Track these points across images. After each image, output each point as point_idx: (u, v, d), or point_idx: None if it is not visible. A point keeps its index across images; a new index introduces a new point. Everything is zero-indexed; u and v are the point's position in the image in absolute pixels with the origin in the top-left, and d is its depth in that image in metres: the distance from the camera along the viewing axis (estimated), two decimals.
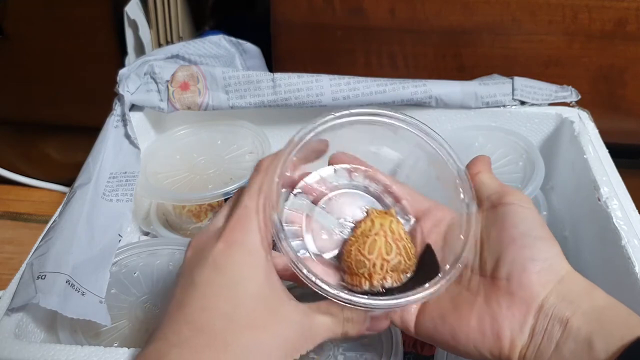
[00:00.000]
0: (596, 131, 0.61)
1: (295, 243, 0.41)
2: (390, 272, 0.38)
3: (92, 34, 0.74)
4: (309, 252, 0.41)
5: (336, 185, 0.44)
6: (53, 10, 0.73)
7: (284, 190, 0.40)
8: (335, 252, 0.41)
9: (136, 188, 0.55)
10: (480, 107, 0.64)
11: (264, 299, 0.35)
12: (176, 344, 0.33)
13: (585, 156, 0.58)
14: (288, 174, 0.40)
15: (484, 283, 0.38)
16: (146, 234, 0.65)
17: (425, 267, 0.40)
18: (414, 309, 0.40)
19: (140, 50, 0.74)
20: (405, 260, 0.39)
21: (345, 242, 0.41)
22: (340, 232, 0.42)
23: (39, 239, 0.51)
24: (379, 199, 0.44)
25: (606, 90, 0.73)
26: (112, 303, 0.49)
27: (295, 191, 0.42)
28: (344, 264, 0.40)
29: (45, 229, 0.52)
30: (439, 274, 0.39)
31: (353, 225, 0.42)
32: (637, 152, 0.74)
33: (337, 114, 0.39)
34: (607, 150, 0.59)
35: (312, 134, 0.39)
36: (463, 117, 0.65)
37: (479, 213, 0.40)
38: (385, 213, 0.41)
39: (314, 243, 0.41)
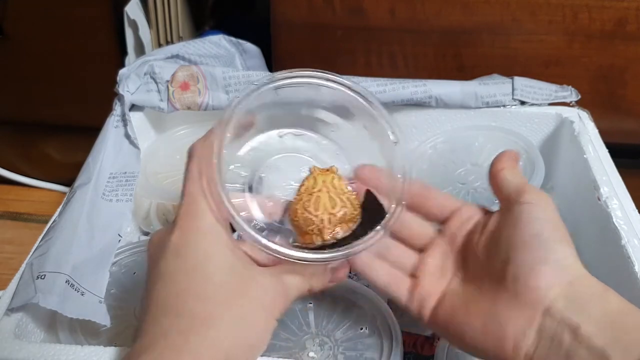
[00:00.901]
0: (596, 131, 0.62)
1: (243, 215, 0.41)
2: (339, 224, 0.40)
3: (92, 34, 0.74)
4: (257, 222, 0.42)
5: (280, 149, 0.45)
6: (53, 10, 0.73)
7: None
8: (283, 214, 0.42)
9: (136, 188, 0.55)
10: (480, 107, 0.64)
11: (233, 271, 0.36)
12: (160, 335, 0.33)
13: (585, 156, 0.58)
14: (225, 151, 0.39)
15: (493, 284, 0.37)
16: (146, 233, 0.65)
17: (371, 211, 0.41)
18: (432, 300, 0.40)
19: (140, 50, 0.74)
20: (351, 211, 0.41)
21: (290, 203, 0.42)
22: (285, 195, 0.43)
23: (39, 239, 0.51)
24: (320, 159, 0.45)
25: (606, 90, 0.73)
26: (112, 303, 0.49)
27: (231, 166, 0.43)
28: (293, 224, 0.41)
29: (45, 229, 0.52)
30: (387, 215, 0.40)
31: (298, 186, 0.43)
32: (637, 152, 0.74)
33: (257, 84, 0.40)
34: (607, 150, 0.59)
35: (238, 107, 0.39)
36: (463, 117, 0.65)
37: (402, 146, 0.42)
38: (327, 170, 0.42)
39: (261, 211, 0.42)
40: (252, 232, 0.37)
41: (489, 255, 0.39)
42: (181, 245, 0.36)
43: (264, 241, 0.37)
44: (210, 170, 0.37)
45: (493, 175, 0.42)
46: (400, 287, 0.42)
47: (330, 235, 0.40)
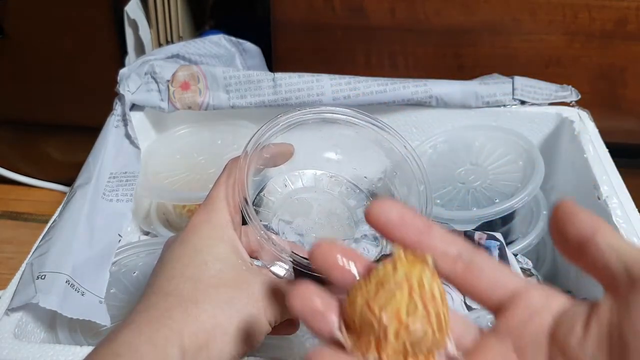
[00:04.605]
0: (596, 131, 0.61)
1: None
2: (409, 347, 0.26)
3: (92, 34, 0.74)
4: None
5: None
6: (53, 10, 0.73)
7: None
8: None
9: (136, 188, 0.55)
10: (481, 107, 0.64)
11: (232, 264, 0.35)
12: (143, 310, 0.33)
13: (585, 155, 0.58)
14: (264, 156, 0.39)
15: None
16: (146, 233, 0.65)
17: None
18: None
19: (140, 50, 0.74)
20: (434, 332, 0.27)
21: (351, 287, 0.29)
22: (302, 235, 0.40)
23: (39, 239, 0.51)
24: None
25: (606, 89, 0.72)
26: (112, 303, 0.49)
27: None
28: (347, 318, 0.28)
29: (45, 229, 0.52)
30: None
31: None
32: (637, 152, 0.74)
33: (288, 115, 0.39)
34: (607, 150, 0.59)
35: (273, 131, 0.39)
36: (463, 116, 0.64)
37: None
38: (418, 259, 0.28)
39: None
40: (265, 231, 0.36)
41: None
42: (187, 235, 0.36)
43: (274, 238, 0.36)
44: (240, 174, 0.37)
45: (580, 246, 0.27)
46: None
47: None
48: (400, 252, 0.28)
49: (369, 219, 0.29)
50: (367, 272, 0.28)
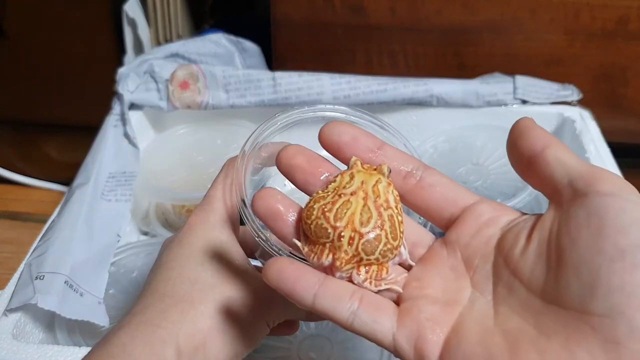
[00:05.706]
0: (597, 130, 0.61)
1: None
2: (363, 254, 0.28)
3: (92, 34, 0.74)
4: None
5: None
6: (53, 10, 0.73)
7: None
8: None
9: (135, 187, 0.55)
10: (482, 106, 0.64)
11: (229, 264, 0.35)
12: (139, 311, 0.33)
13: (586, 155, 0.57)
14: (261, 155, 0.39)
15: (564, 318, 0.24)
16: (145, 233, 0.65)
17: None
18: (439, 336, 0.27)
19: (139, 49, 0.74)
20: (388, 239, 0.28)
21: (309, 199, 0.30)
22: None
23: (38, 239, 0.51)
24: None
25: (607, 89, 0.72)
26: (111, 303, 0.49)
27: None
28: (304, 226, 0.29)
29: (44, 229, 0.52)
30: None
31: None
32: (639, 151, 0.74)
33: (286, 114, 0.38)
34: (608, 149, 0.59)
35: (273, 128, 0.38)
36: (464, 116, 0.64)
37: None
38: (373, 169, 0.30)
39: None
40: (262, 231, 0.36)
41: (551, 277, 0.25)
42: (185, 236, 0.36)
43: (267, 236, 0.35)
44: (237, 174, 0.36)
45: (530, 160, 0.28)
46: (380, 317, 0.28)
47: (343, 264, 0.28)
48: (357, 162, 0.30)
49: (321, 139, 0.31)
50: (326, 183, 0.30)
